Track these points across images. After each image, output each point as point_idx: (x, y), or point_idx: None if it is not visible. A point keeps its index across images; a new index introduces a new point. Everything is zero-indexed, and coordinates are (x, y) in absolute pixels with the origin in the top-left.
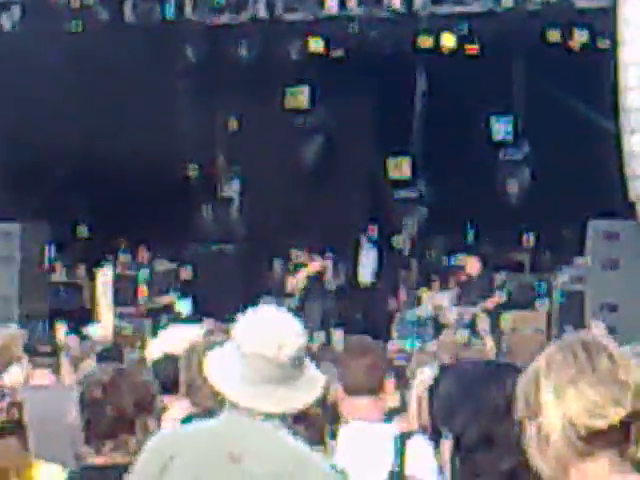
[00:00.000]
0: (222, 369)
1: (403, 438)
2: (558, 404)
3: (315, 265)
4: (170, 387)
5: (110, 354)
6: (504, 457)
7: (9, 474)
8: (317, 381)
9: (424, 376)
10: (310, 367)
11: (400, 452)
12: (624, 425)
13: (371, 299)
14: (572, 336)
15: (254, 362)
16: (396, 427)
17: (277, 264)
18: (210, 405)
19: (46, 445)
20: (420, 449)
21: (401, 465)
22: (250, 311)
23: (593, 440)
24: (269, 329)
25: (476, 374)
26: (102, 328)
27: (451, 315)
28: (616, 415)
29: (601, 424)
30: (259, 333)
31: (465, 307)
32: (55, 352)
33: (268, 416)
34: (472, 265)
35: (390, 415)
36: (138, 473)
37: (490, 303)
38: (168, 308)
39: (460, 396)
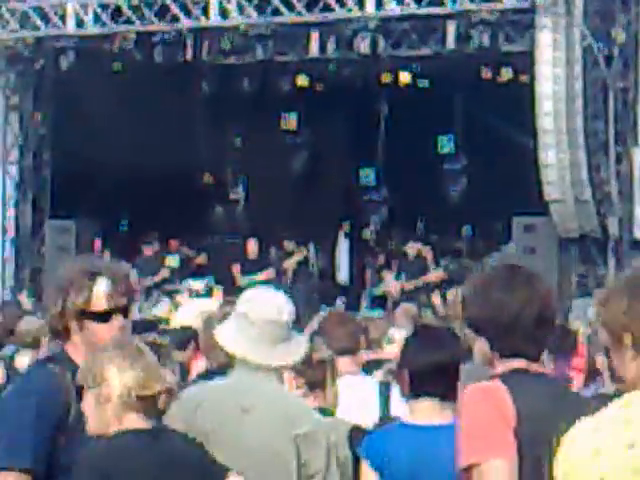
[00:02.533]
0: (236, 336)
1: (384, 386)
2: (120, 376)
3: (300, 254)
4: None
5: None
6: None
7: None
8: (303, 338)
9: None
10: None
11: (385, 397)
12: (159, 395)
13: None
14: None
15: (263, 326)
16: (376, 378)
17: (273, 251)
18: (223, 361)
19: None
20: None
21: (386, 408)
22: (249, 290)
23: (142, 402)
24: (269, 300)
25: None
26: None
27: (395, 288)
28: (156, 388)
29: (147, 393)
30: (262, 304)
31: (406, 281)
32: None
33: (271, 370)
34: (410, 248)
35: (368, 368)
36: (173, 417)
37: (428, 278)
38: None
39: None
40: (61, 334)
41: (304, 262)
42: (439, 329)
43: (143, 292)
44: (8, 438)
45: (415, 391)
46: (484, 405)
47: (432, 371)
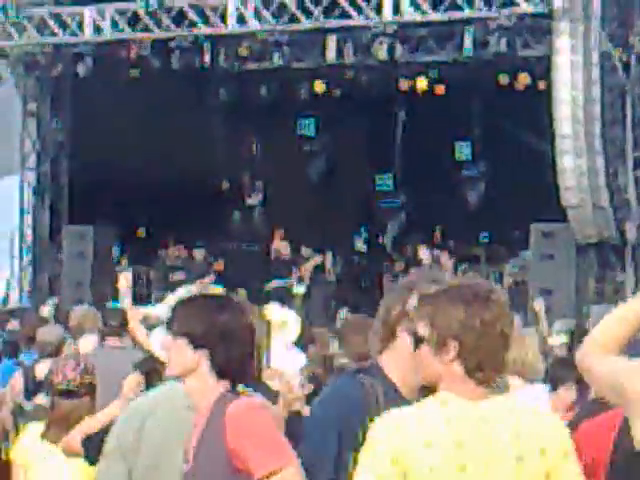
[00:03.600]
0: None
1: None
2: None
3: (316, 260)
4: None
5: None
6: None
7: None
8: None
9: None
10: None
11: None
12: None
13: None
14: None
15: None
16: None
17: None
18: None
19: (111, 390)
20: None
21: None
22: (171, 295)
23: None
24: None
25: None
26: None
27: None
28: None
29: None
30: None
31: None
32: (122, 325)
33: None
34: (422, 254)
35: None
36: (119, 434)
37: None
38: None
39: None
40: (384, 341)
41: (321, 268)
42: None
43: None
44: (313, 448)
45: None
46: (265, 416)
47: None
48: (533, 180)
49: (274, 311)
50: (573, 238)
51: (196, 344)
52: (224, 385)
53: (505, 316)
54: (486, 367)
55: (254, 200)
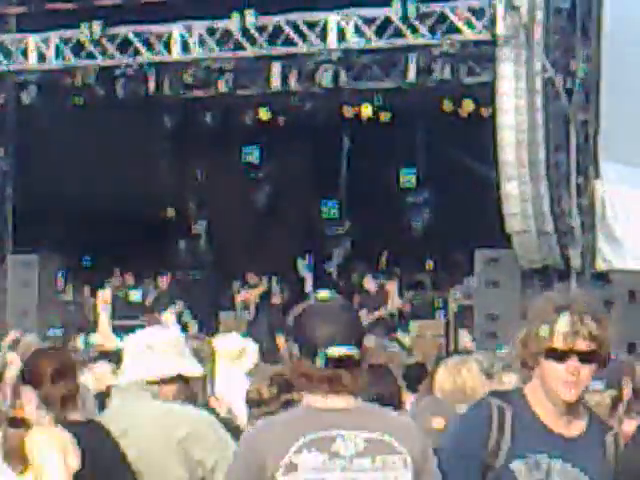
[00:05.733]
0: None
1: None
2: None
3: (261, 288)
4: None
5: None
6: None
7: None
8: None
9: None
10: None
11: None
12: None
13: None
14: None
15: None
16: None
17: (235, 285)
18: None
19: None
20: None
21: None
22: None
23: None
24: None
25: None
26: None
27: None
28: None
29: None
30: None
31: (366, 315)
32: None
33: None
34: (368, 282)
35: None
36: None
37: (386, 311)
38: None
39: None
40: (526, 367)
41: (267, 295)
42: (372, 367)
43: None
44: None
45: None
46: None
47: None
48: (477, 206)
49: (232, 340)
50: (517, 264)
51: None
52: None
53: None
54: None
55: (199, 228)
